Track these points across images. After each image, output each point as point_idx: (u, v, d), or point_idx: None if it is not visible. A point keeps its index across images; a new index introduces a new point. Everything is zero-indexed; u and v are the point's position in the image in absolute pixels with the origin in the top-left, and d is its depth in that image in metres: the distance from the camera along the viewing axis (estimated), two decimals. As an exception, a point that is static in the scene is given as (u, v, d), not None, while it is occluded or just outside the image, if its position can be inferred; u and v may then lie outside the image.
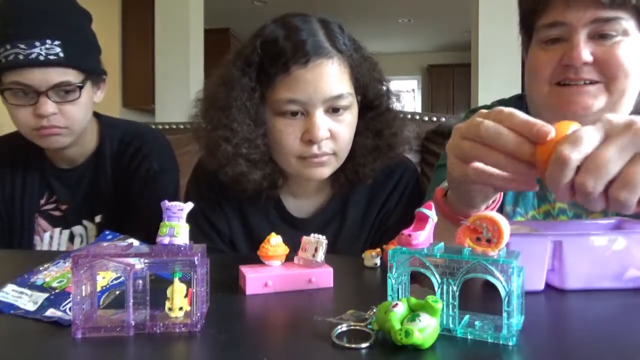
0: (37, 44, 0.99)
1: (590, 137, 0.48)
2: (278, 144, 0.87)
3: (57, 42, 1.01)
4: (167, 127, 1.79)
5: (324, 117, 0.85)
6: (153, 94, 4.65)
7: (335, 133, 0.86)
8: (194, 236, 1.02)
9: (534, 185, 0.54)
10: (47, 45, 1.00)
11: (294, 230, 0.97)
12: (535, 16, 0.82)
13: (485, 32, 4.30)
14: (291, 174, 0.94)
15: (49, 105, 1.01)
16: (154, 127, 1.71)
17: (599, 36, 0.77)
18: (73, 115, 1.05)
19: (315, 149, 0.85)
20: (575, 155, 0.47)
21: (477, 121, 0.55)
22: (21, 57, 0.98)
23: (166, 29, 4.47)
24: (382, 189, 0.99)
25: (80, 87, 1.05)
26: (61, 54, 1.01)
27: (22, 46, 0.98)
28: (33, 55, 0.99)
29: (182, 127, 1.78)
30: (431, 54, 8.60)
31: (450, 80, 8.55)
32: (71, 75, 1.03)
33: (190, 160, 1.57)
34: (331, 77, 0.84)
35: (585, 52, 0.76)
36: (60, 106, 1.03)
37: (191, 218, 1.03)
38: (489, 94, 4.04)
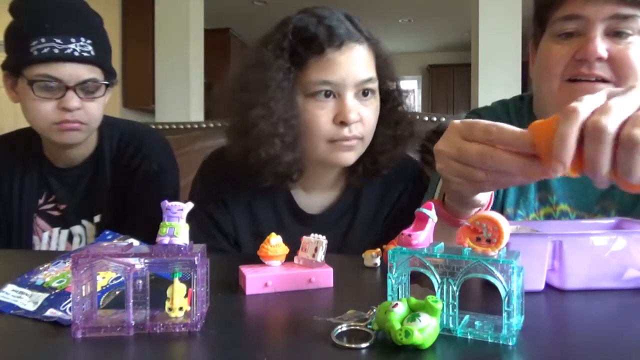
0: (73, 40, 1.02)
1: (594, 97, 0.47)
2: (309, 127, 0.88)
3: (89, 41, 1.05)
4: (167, 127, 1.79)
5: (354, 100, 0.87)
6: (153, 94, 4.66)
7: (363, 117, 0.88)
8: (197, 235, 1.03)
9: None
10: (81, 43, 1.03)
11: (304, 228, 0.97)
12: (551, 9, 0.82)
13: (485, 32, 4.30)
14: (309, 166, 0.94)
15: (75, 100, 1.03)
16: (153, 127, 1.71)
17: (614, 34, 0.77)
18: (93, 113, 1.08)
19: (346, 132, 0.86)
20: (583, 107, 0.46)
21: (475, 150, 0.54)
22: (56, 51, 1.01)
23: (166, 29, 4.48)
24: (394, 186, 1.00)
25: (107, 86, 1.09)
26: (92, 52, 1.05)
27: (59, 41, 1.01)
28: (68, 51, 1.02)
29: (182, 127, 1.78)
30: (431, 54, 8.60)
31: (450, 80, 8.54)
32: (97, 74, 1.07)
33: (190, 160, 1.57)
34: (362, 61, 0.87)
35: (601, 47, 0.76)
36: (83, 102, 1.05)
37: (195, 218, 1.04)
38: (489, 94, 4.04)
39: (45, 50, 1.01)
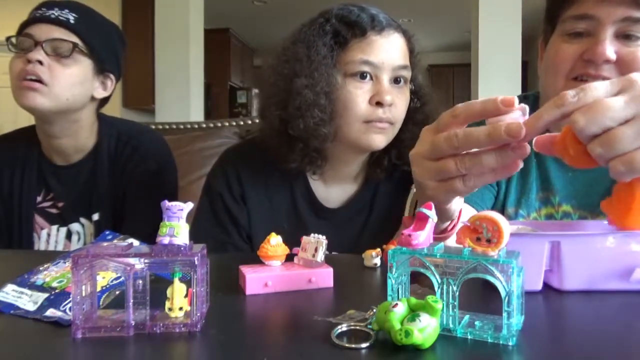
0: (56, 9, 1.09)
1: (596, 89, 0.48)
2: (346, 106, 0.90)
3: (73, 14, 1.10)
4: (167, 127, 1.79)
5: (388, 84, 0.91)
6: (153, 94, 4.66)
7: (395, 102, 0.91)
8: (211, 227, 1.03)
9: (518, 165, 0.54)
10: (63, 12, 1.09)
11: (321, 221, 1.00)
12: (563, 7, 0.82)
13: (485, 32, 4.30)
14: (336, 153, 0.96)
15: (38, 53, 1.06)
16: (153, 127, 1.71)
17: (624, 36, 0.77)
18: (58, 75, 1.08)
19: (380, 112, 0.89)
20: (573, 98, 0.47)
21: (443, 135, 0.54)
22: (38, 15, 1.09)
23: (166, 29, 4.48)
24: (408, 189, 1.01)
25: (75, 46, 1.09)
26: (71, 20, 1.09)
27: (44, 9, 1.09)
28: (47, 14, 1.08)
29: (182, 127, 1.78)
30: (431, 54, 8.61)
31: (450, 80, 8.56)
32: (73, 39, 1.09)
33: (190, 160, 1.57)
34: (400, 48, 0.93)
35: (610, 50, 0.75)
36: (50, 62, 1.07)
37: (212, 209, 1.04)
38: (489, 93, 4.03)
39: (31, 17, 1.09)
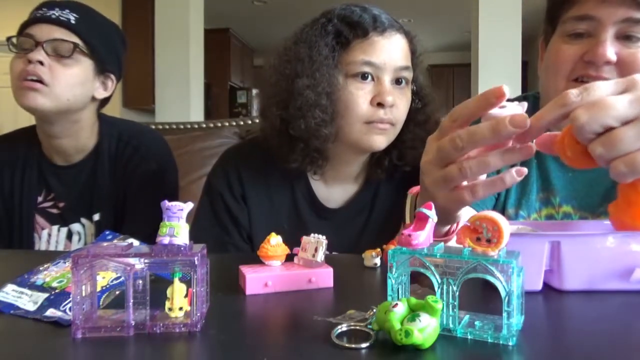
0: (57, 9, 1.09)
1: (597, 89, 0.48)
2: (348, 106, 0.90)
3: (74, 15, 1.10)
4: (167, 127, 1.79)
5: (390, 85, 0.91)
6: (153, 94, 4.67)
7: (397, 103, 0.91)
8: (212, 227, 1.03)
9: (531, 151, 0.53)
10: (64, 12, 1.09)
11: (322, 221, 1.00)
12: (564, 7, 0.82)
13: (485, 32, 4.30)
14: (337, 153, 0.96)
15: (39, 53, 1.06)
16: (153, 127, 1.71)
17: (624, 37, 0.76)
18: (59, 75, 1.08)
19: (382, 113, 0.89)
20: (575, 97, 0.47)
21: (447, 139, 0.54)
22: (38, 15, 1.09)
23: (166, 29, 4.48)
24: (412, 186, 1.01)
25: (75, 46, 1.09)
26: (72, 21, 1.09)
27: (45, 9, 1.09)
28: (47, 14, 1.08)
29: (182, 127, 1.78)
30: (431, 54, 8.59)
31: (450, 80, 8.55)
32: (74, 40, 1.09)
33: (190, 160, 1.58)
34: (402, 49, 0.93)
35: (610, 51, 0.75)
36: (51, 62, 1.07)
37: (212, 209, 1.04)
38: (489, 94, 4.04)
39: (32, 17, 1.09)
